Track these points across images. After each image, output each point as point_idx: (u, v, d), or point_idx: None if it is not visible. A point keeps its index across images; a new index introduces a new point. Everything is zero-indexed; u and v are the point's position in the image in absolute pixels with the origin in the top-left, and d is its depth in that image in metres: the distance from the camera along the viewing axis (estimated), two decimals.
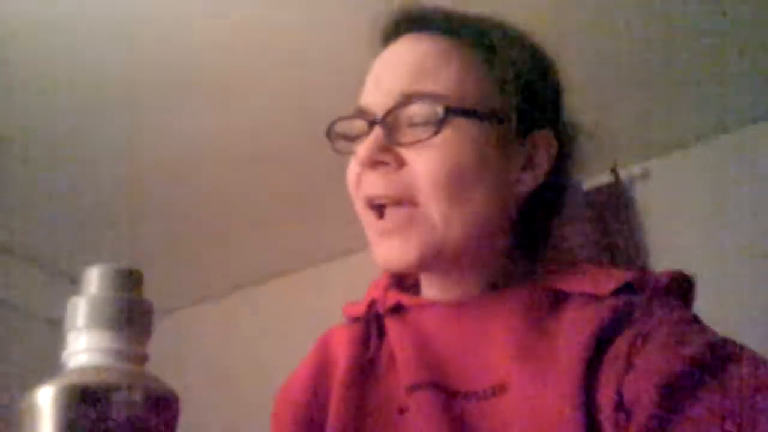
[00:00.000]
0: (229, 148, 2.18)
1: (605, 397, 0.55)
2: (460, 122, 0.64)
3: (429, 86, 0.65)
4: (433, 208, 0.63)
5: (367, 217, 0.67)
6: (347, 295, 0.81)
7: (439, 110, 0.63)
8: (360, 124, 0.67)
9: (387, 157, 0.64)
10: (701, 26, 1.87)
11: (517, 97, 0.67)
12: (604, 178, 2.32)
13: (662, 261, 2.16)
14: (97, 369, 0.36)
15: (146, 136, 2.13)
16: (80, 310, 0.36)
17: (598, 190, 2.31)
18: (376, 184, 0.65)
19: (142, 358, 0.38)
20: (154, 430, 0.35)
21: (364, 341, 0.71)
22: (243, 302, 2.94)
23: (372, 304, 0.73)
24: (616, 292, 0.62)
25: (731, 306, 2.02)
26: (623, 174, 2.32)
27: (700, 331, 0.58)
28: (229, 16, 1.77)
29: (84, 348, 0.36)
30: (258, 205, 2.44)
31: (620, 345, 0.57)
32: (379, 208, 0.65)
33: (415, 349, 0.66)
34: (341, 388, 0.67)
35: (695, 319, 0.60)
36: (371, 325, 0.72)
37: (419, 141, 0.63)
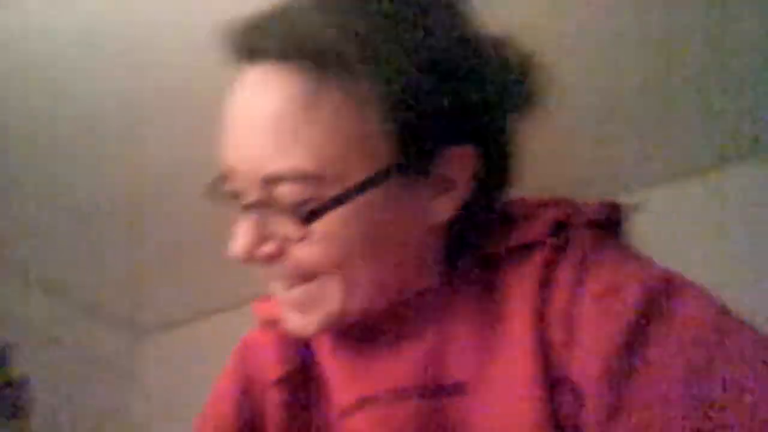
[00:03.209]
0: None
1: (559, 378, 0.52)
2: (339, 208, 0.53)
3: (294, 160, 0.51)
4: (332, 282, 0.55)
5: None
6: None
7: (307, 207, 0.52)
8: (231, 185, 0.57)
9: (266, 248, 0.55)
10: (700, 61, 1.88)
11: (414, 123, 0.53)
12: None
13: None
14: None
15: (140, 160, 2.13)
16: None
17: None
18: (265, 269, 0.57)
19: None
20: None
21: (290, 352, 0.63)
22: (235, 321, 2.91)
23: None
24: (552, 232, 0.56)
25: None
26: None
27: (637, 266, 0.54)
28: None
29: None
30: None
31: (559, 294, 0.54)
32: None
33: (350, 360, 0.60)
34: (274, 409, 0.61)
35: (631, 251, 0.57)
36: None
37: (291, 239, 0.54)
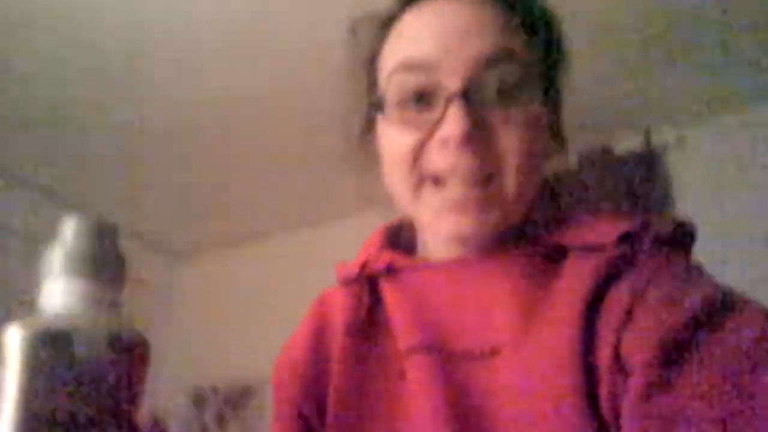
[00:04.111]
0: (256, 101, 2.20)
1: (603, 351, 0.54)
2: (538, 91, 0.63)
3: (511, 45, 0.62)
4: (513, 183, 0.62)
5: (429, 189, 0.63)
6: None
7: (531, 77, 0.62)
8: (415, 83, 0.62)
9: (482, 133, 0.60)
10: None
11: (552, 55, 0.67)
12: (637, 144, 2.29)
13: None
14: (64, 313, 0.37)
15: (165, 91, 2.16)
16: (56, 257, 0.38)
17: (630, 155, 2.28)
18: (461, 162, 0.61)
19: (115, 305, 0.39)
20: (118, 372, 0.36)
21: (360, 304, 0.70)
22: (267, 249, 3.00)
23: (364, 265, 0.71)
24: (618, 242, 0.60)
25: (765, 276, 2.00)
26: (658, 141, 2.28)
27: (701, 281, 0.57)
28: None
29: (56, 293, 0.38)
30: (281, 155, 2.46)
31: (619, 293, 0.57)
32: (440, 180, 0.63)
33: (411, 312, 0.65)
34: (342, 354, 0.67)
35: (696, 269, 0.59)
36: (365, 288, 0.71)
37: (520, 114, 0.61)
